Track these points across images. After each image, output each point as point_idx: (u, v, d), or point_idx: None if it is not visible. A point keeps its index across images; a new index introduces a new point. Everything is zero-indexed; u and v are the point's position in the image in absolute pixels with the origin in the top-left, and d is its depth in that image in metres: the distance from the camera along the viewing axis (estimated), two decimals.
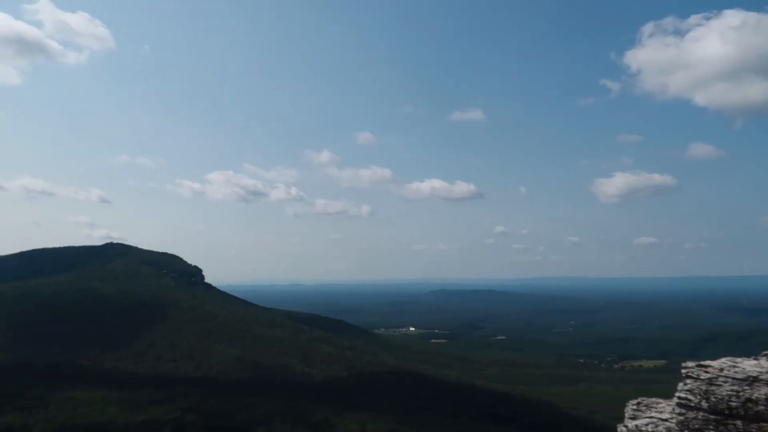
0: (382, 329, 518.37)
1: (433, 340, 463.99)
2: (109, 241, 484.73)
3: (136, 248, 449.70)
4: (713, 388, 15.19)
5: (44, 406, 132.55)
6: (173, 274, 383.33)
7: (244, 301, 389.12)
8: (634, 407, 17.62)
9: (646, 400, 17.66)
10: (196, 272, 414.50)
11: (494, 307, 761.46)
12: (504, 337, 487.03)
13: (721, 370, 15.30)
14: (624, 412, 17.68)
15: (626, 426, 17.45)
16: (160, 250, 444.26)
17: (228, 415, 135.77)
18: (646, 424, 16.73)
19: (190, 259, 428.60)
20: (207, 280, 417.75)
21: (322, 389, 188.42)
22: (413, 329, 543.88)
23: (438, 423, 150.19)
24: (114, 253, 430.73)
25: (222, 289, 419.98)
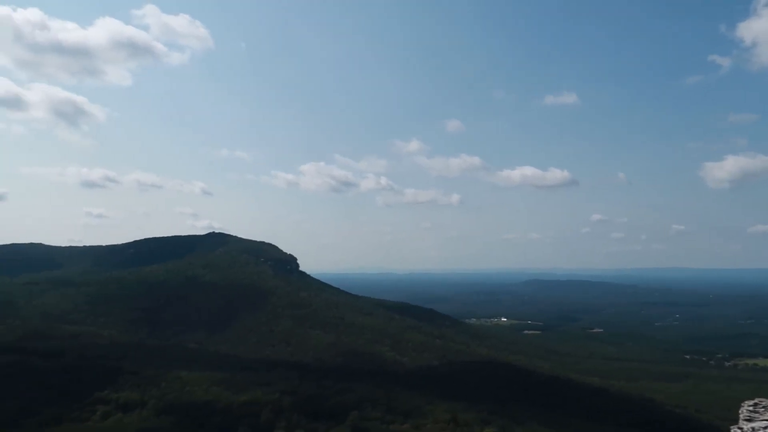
0: (473, 319, 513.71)
1: (525, 332, 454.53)
2: (211, 230, 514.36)
3: (235, 237, 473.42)
4: None
5: (157, 384, 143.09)
6: (270, 262, 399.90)
7: (336, 289, 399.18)
8: (751, 408, 16.20)
9: (765, 401, 16.16)
10: (292, 260, 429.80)
11: (591, 299, 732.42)
12: (601, 330, 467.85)
13: None
14: (738, 413, 16.30)
15: (741, 428, 16.10)
16: (258, 239, 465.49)
17: (322, 399, 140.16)
18: (765, 428, 15.31)
19: (286, 248, 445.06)
20: (301, 268, 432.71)
21: (413, 377, 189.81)
22: (505, 320, 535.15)
23: (530, 415, 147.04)
24: (215, 241, 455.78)
25: (315, 277, 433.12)
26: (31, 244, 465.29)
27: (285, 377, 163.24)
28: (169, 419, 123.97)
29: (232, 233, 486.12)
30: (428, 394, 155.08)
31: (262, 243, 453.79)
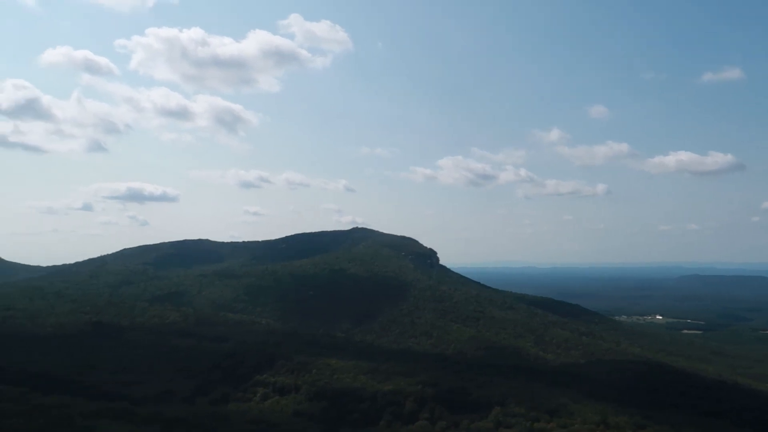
0: (624, 316, 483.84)
1: (684, 331, 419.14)
2: (354, 226, 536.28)
3: (377, 232, 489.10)
4: None
5: (308, 370, 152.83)
6: (411, 256, 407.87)
7: (476, 283, 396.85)
8: None
9: None
10: (432, 254, 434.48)
11: (764, 296, 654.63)
12: None
13: None
14: None
15: None
16: (398, 234, 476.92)
17: (465, 392, 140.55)
18: None
19: (425, 242, 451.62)
20: (441, 261, 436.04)
21: (559, 374, 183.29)
22: (660, 317, 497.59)
23: (691, 423, 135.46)
24: (359, 236, 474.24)
25: (455, 270, 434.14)
26: (200, 240, 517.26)
27: (427, 369, 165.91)
28: (321, 404, 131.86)
29: (374, 228, 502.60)
30: (575, 393, 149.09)
31: (403, 237, 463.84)
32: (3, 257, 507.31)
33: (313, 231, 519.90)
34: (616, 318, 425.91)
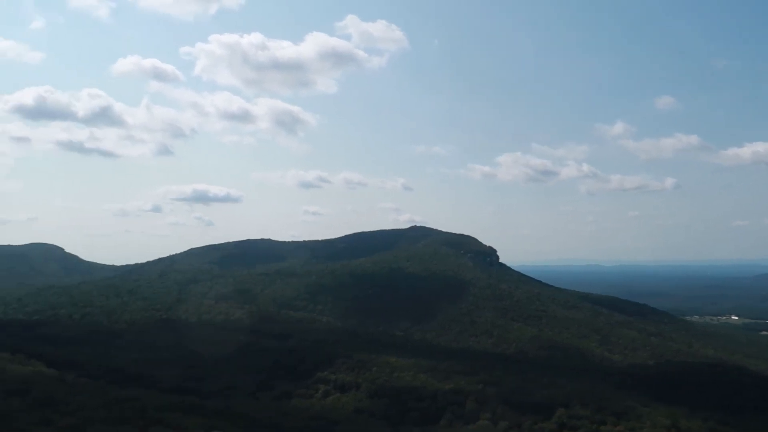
0: (696, 316, 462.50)
1: (763, 332, 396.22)
2: (413, 224, 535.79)
3: (436, 230, 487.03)
4: None
5: (368, 368, 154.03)
6: (470, 254, 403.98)
7: (538, 281, 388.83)
8: None
9: None
10: (491, 252, 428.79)
11: None
12: None
13: None
14: None
15: None
16: (457, 232, 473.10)
17: (527, 392, 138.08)
18: None
19: (485, 240, 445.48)
20: (501, 259, 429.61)
21: (626, 376, 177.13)
22: (736, 318, 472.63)
23: None
24: (417, 235, 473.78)
25: (516, 268, 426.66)
26: (262, 240, 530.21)
27: (488, 368, 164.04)
28: (381, 402, 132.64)
29: (432, 226, 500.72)
30: (643, 396, 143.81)
31: (462, 235, 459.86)
32: (81, 257, 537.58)
33: (371, 230, 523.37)
34: (687, 318, 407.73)
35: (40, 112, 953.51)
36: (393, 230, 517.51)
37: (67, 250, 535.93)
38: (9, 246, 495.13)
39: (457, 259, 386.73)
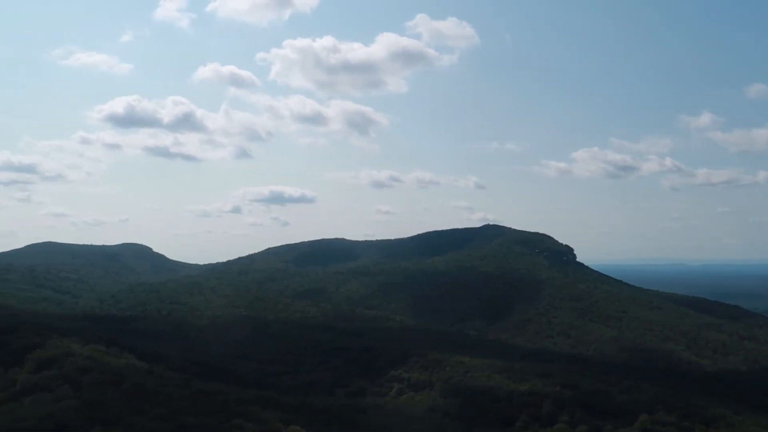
0: None
1: None
2: (486, 223, 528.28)
3: (509, 229, 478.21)
4: None
5: (442, 367, 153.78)
6: (545, 253, 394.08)
7: (618, 281, 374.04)
8: None
9: None
10: (568, 251, 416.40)
11: None
12: None
13: None
14: None
15: None
16: (531, 230, 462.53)
17: (607, 396, 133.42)
18: None
19: (561, 238, 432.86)
20: (578, 258, 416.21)
21: (715, 382, 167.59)
22: None
23: None
24: (490, 233, 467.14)
25: (594, 268, 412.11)
26: (336, 239, 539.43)
27: (565, 370, 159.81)
28: (455, 402, 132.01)
29: (506, 225, 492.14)
30: (735, 403, 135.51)
31: (536, 234, 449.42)
32: (168, 256, 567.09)
33: (444, 229, 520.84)
34: None
35: (129, 120, 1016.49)
36: (465, 229, 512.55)
37: (155, 249, 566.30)
38: (104, 246, 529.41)
39: (531, 257, 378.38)
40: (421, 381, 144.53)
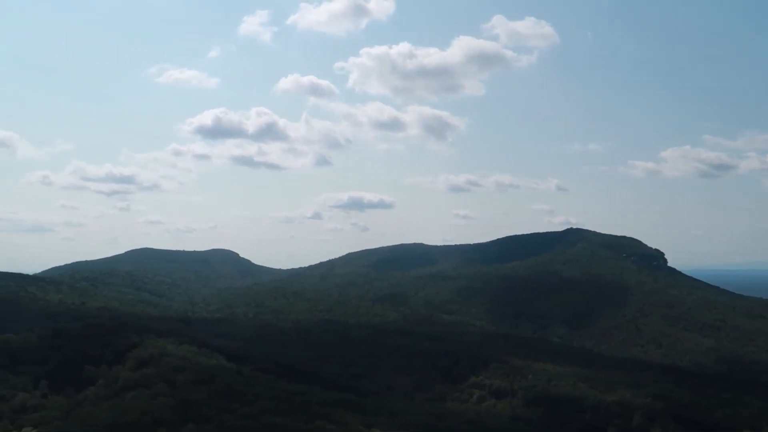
0: None
1: None
2: (568, 226, 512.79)
3: (593, 232, 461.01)
4: None
5: (524, 374, 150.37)
6: (633, 257, 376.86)
7: (714, 287, 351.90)
8: None
9: None
10: (658, 255, 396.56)
11: None
12: None
13: None
14: None
15: None
16: (617, 234, 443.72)
17: (703, 410, 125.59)
18: None
19: (650, 242, 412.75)
20: (670, 263, 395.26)
21: None
22: None
23: None
24: (573, 237, 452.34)
25: (687, 273, 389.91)
26: (414, 244, 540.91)
27: (657, 381, 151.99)
28: (538, 410, 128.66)
29: (589, 228, 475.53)
30: None
31: (623, 237, 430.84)
32: (253, 261, 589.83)
33: (524, 233, 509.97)
34: None
35: (217, 132, 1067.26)
36: (547, 233, 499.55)
37: (242, 255, 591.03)
38: (195, 251, 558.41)
39: (618, 262, 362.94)
40: (503, 388, 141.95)
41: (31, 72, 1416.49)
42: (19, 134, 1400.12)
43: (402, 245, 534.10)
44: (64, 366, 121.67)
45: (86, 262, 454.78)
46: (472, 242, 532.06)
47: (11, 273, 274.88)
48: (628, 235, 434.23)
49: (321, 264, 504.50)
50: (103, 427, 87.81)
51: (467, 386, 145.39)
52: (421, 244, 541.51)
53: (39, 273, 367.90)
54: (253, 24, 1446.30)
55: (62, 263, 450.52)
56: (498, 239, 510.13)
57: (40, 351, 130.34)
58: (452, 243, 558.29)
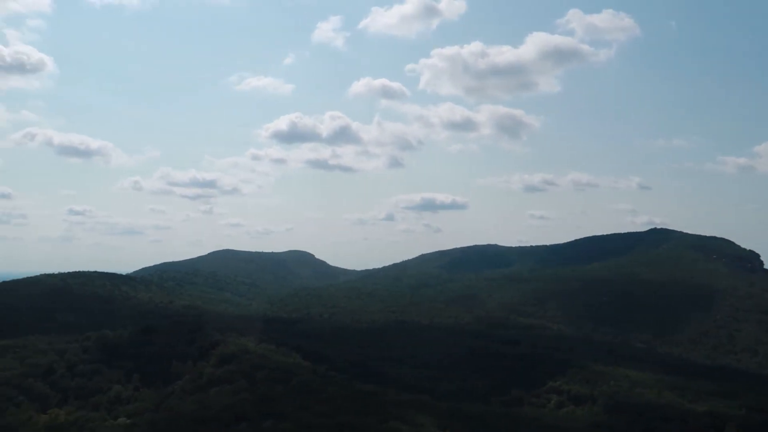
0: None
1: None
2: (651, 226, 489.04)
3: (680, 233, 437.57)
4: None
5: (605, 381, 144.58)
6: (724, 259, 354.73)
7: None
8: None
9: None
10: (753, 257, 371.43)
11: None
12: None
13: None
14: None
15: None
16: (707, 234, 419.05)
17: None
18: None
19: (744, 243, 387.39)
20: (767, 265, 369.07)
21: None
22: None
23: None
24: (657, 238, 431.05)
25: None
26: (488, 245, 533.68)
27: (753, 391, 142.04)
28: (620, 419, 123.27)
29: (675, 228, 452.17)
30: None
31: (713, 238, 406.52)
32: (328, 263, 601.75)
33: (604, 233, 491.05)
34: None
35: (292, 136, 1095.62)
36: (629, 233, 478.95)
37: (317, 256, 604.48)
38: (273, 253, 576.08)
39: (707, 264, 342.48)
40: (582, 394, 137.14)
41: (123, 85, 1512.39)
42: (114, 143, 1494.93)
43: (475, 246, 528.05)
44: (154, 361, 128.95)
45: (172, 262, 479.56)
46: (547, 243, 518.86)
47: (107, 273, 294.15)
48: (718, 235, 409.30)
49: (394, 265, 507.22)
50: (189, 420, 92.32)
51: (544, 391, 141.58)
52: (495, 245, 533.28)
53: (131, 273, 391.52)
54: (326, 30, 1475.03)
55: (151, 264, 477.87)
56: (575, 240, 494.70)
57: (133, 346, 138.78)
58: (527, 244, 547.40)
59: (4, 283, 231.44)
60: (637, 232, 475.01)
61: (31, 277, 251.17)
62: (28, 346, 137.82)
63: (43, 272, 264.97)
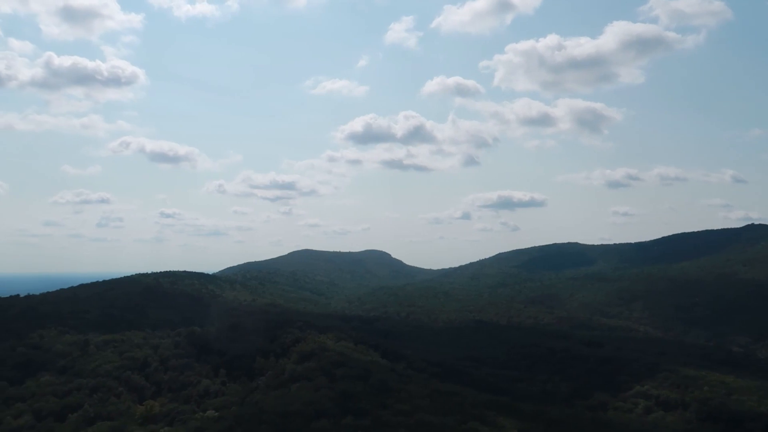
0: None
1: None
2: (748, 222, 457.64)
3: None
4: None
5: (698, 386, 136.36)
6: None
7: None
8: None
9: None
10: None
11: None
12: None
13: None
14: None
15: None
16: None
17: None
18: None
19: None
20: None
21: None
22: None
23: None
24: (755, 235, 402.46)
25: None
26: (568, 243, 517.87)
27: None
28: (715, 427, 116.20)
29: None
30: None
31: None
32: (405, 262, 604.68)
33: (694, 230, 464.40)
34: None
35: (367, 137, 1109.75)
36: (722, 230, 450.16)
37: (393, 255, 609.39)
38: (350, 252, 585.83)
39: None
40: (673, 399, 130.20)
41: (206, 93, 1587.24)
42: (199, 149, 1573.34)
43: (555, 245, 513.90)
44: (239, 356, 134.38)
45: (255, 262, 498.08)
46: (632, 241, 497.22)
47: (196, 272, 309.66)
48: None
49: (471, 264, 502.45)
50: (272, 414, 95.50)
51: (631, 395, 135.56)
52: (576, 244, 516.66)
53: (217, 272, 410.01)
54: (399, 31, 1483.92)
55: (235, 263, 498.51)
56: (662, 238, 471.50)
57: (220, 342, 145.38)
58: (610, 242, 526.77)
59: (104, 282, 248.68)
60: (731, 229, 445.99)
61: (127, 277, 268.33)
62: (125, 340, 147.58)
63: (137, 272, 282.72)
